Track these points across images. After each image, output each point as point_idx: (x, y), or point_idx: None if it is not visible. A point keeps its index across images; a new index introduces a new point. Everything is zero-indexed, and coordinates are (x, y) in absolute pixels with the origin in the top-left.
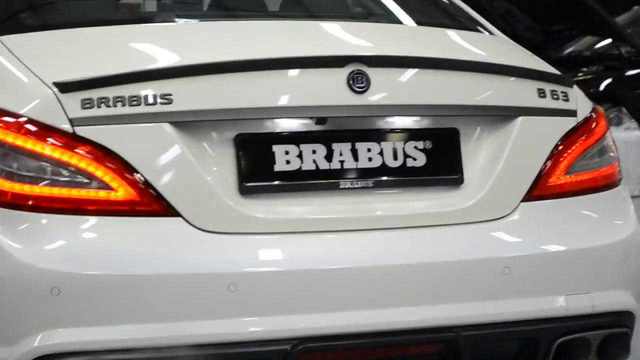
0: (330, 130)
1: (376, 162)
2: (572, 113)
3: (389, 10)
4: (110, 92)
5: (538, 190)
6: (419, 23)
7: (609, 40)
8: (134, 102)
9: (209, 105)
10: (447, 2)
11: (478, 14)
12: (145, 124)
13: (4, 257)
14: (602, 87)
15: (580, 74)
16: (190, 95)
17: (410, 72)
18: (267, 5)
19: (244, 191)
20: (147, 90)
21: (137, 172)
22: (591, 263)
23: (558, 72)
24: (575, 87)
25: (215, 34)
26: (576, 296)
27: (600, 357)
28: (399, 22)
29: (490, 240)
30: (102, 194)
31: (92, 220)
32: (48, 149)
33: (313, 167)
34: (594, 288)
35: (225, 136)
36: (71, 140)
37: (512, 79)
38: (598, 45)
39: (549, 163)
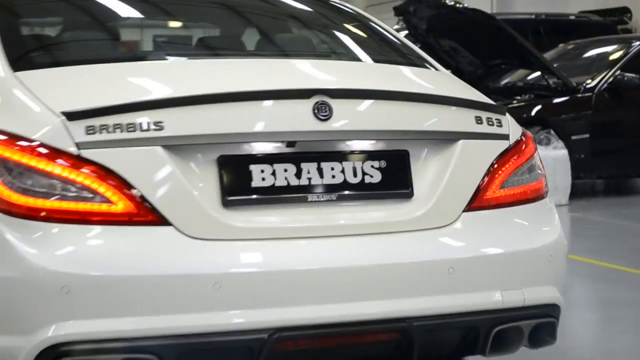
0: (299, 152)
1: (339, 179)
2: (505, 137)
3: (350, 49)
4: (110, 120)
5: (477, 202)
6: (375, 60)
7: (538, 73)
8: (131, 129)
9: (195, 131)
10: (398, 42)
11: (427, 51)
12: (140, 147)
13: (21, 261)
14: (533, 112)
15: (514, 102)
16: (179, 122)
17: (367, 103)
18: (245, 45)
19: (226, 204)
20: (142, 118)
21: (134, 188)
22: (523, 263)
23: (493, 102)
24: (507, 114)
25: (201, 70)
26: (510, 291)
27: (532, 343)
28: (358, 59)
29: (437, 244)
30: (104, 207)
31: (96, 229)
32: (58, 168)
33: (285, 183)
34: (526, 284)
35: (209, 157)
36: (77, 161)
37: (454, 108)
38: (530, 77)
39: (486, 179)
